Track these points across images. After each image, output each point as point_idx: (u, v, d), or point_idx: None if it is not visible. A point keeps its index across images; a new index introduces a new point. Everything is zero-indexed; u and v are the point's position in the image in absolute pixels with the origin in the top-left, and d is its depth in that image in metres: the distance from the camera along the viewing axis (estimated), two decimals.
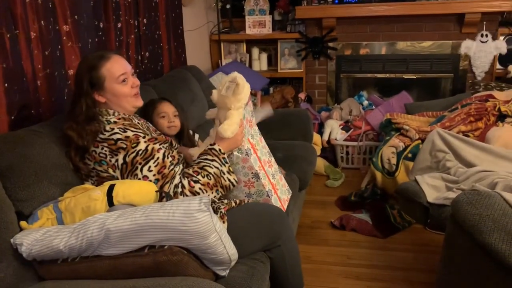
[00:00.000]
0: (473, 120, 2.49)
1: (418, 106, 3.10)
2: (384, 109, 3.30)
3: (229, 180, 1.57)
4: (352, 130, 3.36)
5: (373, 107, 3.51)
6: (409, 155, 2.55)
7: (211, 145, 1.60)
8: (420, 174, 2.09)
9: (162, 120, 1.90)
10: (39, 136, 1.51)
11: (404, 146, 2.62)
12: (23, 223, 1.30)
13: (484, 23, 3.32)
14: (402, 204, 2.23)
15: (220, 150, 1.58)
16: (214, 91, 1.64)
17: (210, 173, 1.52)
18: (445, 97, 3.36)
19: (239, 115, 1.60)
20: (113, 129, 1.48)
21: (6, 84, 1.55)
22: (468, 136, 2.34)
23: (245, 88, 1.59)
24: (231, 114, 1.58)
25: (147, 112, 1.92)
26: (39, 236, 1.20)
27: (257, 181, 1.64)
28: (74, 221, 1.29)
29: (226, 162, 1.58)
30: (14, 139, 1.44)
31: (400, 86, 3.57)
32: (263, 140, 1.81)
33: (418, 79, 3.65)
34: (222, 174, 1.55)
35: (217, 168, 1.54)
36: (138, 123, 1.61)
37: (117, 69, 1.55)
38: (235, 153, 1.63)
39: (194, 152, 1.68)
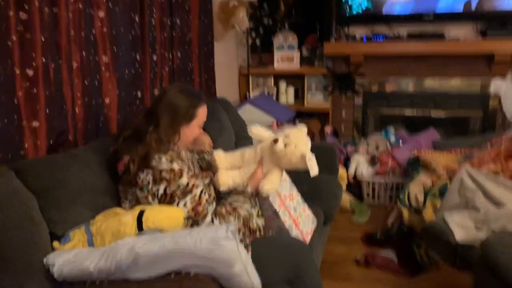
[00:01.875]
0: (503, 159, 2.45)
1: (446, 144, 3.06)
2: (412, 145, 3.27)
3: (257, 224, 1.59)
4: (378, 165, 3.34)
5: (400, 143, 3.49)
6: (437, 193, 2.51)
7: (243, 186, 1.63)
8: (448, 213, 2.05)
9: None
10: (75, 160, 1.57)
11: (431, 184, 2.59)
12: (55, 244, 1.35)
13: None
14: (429, 242, 2.18)
15: (252, 193, 1.62)
16: (280, 143, 1.57)
17: (241, 215, 1.55)
18: (474, 136, 3.31)
19: (281, 174, 1.61)
20: (161, 158, 1.52)
21: (47, 110, 1.64)
22: (498, 175, 2.30)
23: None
24: (277, 172, 1.60)
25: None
26: (70, 257, 1.23)
27: (277, 218, 1.66)
28: (104, 244, 1.32)
29: (257, 205, 1.61)
30: (52, 162, 1.51)
31: (427, 123, 3.55)
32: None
33: (447, 117, 3.62)
34: (252, 218, 1.58)
35: (247, 211, 1.57)
36: (185, 156, 1.67)
37: (204, 116, 1.69)
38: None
39: (221, 154, 1.70)
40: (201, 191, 1.54)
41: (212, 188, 1.64)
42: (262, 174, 1.64)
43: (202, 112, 1.67)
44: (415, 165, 2.89)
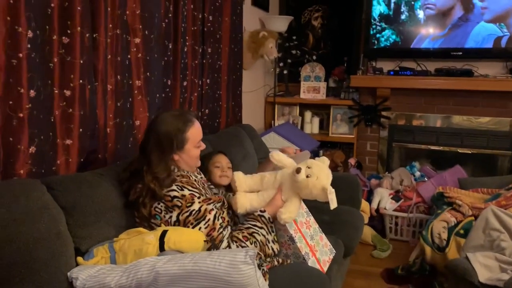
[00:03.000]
0: None
1: (473, 182, 3.01)
2: (437, 181, 3.23)
3: (272, 249, 1.60)
4: (402, 200, 3.29)
5: (425, 178, 3.44)
6: (461, 231, 2.46)
7: (261, 211, 1.63)
8: (472, 252, 2.00)
9: (216, 169, 1.97)
10: (103, 179, 1.63)
11: (456, 222, 2.54)
12: (79, 259, 1.39)
13: None
14: (451, 282, 2.12)
15: (269, 219, 1.62)
16: (302, 173, 1.59)
17: (258, 240, 1.56)
18: (501, 175, 3.25)
19: (299, 204, 1.63)
20: (171, 185, 1.56)
21: (80, 130, 1.71)
22: None
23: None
24: (296, 201, 1.62)
25: (203, 162, 2.00)
26: (93, 272, 1.27)
27: (292, 244, 1.66)
28: (126, 262, 1.35)
29: (273, 231, 1.61)
30: (81, 179, 1.57)
31: (454, 160, 3.50)
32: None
33: (474, 154, 3.57)
34: (267, 243, 1.58)
35: (264, 236, 1.58)
36: (195, 180, 1.67)
37: (198, 135, 1.67)
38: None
39: (240, 176, 1.72)
40: (215, 216, 1.55)
41: (225, 212, 1.65)
42: (281, 202, 1.65)
43: (193, 133, 1.64)
44: (439, 201, 2.84)
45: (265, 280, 1.49)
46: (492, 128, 3.46)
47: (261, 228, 1.59)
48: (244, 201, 1.67)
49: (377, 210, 3.32)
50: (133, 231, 1.48)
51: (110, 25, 1.84)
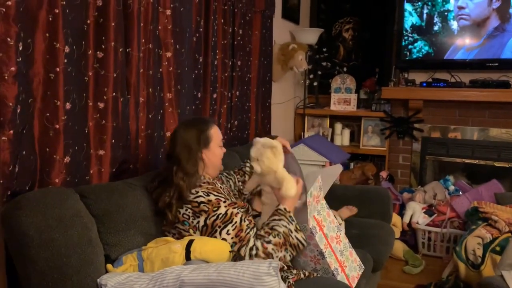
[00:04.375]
0: None
1: (510, 197, 2.89)
2: (472, 196, 3.12)
3: (297, 238, 1.59)
4: (435, 215, 3.20)
5: (460, 193, 3.34)
6: (497, 248, 2.36)
7: (276, 206, 1.66)
8: (508, 270, 1.92)
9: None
10: (133, 188, 1.68)
11: (491, 238, 2.44)
12: (109, 266, 1.43)
13: None
14: None
15: (285, 209, 1.63)
16: (255, 165, 1.68)
17: (280, 232, 1.56)
18: None
19: (291, 178, 1.65)
20: (197, 192, 1.60)
21: (113, 141, 1.78)
22: None
23: (279, 147, 1.65)
24: (283, 174, 1.64)
25: None
26: (122, 279, 1.30)
27: (322, 259, 1.65)
28: (153, 270, 1.38)
29: (293, 220, 1.61)
30: (112, 189, 1.62)
31: (490, 174, 3.38)
32: (331, 214, 1.81)
33: (511, 168, 3.44)
34: (290, 233, 1.58)
35: (285, 226, 1.58)
36: (221, 187, 1.73)
37: (219, 134, 1.77)
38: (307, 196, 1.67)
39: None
40: (241, 218, 1.58)
41: (251, 216, 1.69)
42: (278, 191, 1.67)
43: (215, 132, 1.74)
44: (474, 217, 2.75)
45: None
46: None
47: (280, 220, 1.60)
48: (257, 205, 1.75)
49: (409, 224, 3.24)
50: (161, 240, 1.51)
51: (143, 40, 1.90)
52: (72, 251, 1.34)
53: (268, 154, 1.63)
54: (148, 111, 1.98)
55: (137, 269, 1.42)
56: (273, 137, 1.94)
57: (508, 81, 3.29)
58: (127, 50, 1.82)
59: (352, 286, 1.72)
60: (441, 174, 3.65)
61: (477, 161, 3.54)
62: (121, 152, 1.83)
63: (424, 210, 3.27)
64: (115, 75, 1.74)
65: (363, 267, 1.84)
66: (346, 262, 1.73)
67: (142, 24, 1.88)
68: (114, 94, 1.75)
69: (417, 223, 3.19)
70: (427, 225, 3.16)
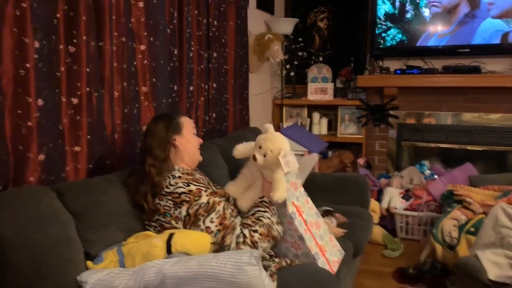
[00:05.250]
0: None
1: (483, 179, 2.98)
2: (447, 180, 3.21)
3: (277, 231, 1.64)
4: (412, 199, 3.28)
5: (435, 177, 3.42)
6: (472, 229, 2.44)
7: (260, 197, 1.70)
8: (482, 250, 1.99)
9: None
10: (112, 184, 1.66)
11: (466, 220, 2.52)
12: (89, 263, 1.42)
13: None
14: (461, 280, 2.11)
15: (269, 202, 1.67)
16: (259, 158, 1.68)
17: (265, 223, 1.60)
18: None
19: (283, 179, 1.66)
20: (177, 183, 1.60)
21: (88, 136, 1.75)
22: None
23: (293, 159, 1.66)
24: (277, 179, 1.65)
25: None
26: (102, 276, 1.29)
27: (302, 243, 1.67)
28: (134, 265, 1.38)
29: (276, 213, 1.66)
30: (90, 185, 1.60)
31: (464, 158, 3.47)
32: (310, 201, 1.83)
33: (484, 151, 3.53)
34: (273, 225, 1.62)
35: (269, 218, 1.62)
36: (200, 178, 1.73)
37: (191, 123, 1.80)
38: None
39: (231, 188, 1.82)
40: (223, 206, 1.60)
41: (232, 206, 1.70)
42: (268, 184, 1.70)
43: (186, 120, 1.78)
44: (449, 200, 2.82)
45: (274, 281, 1.50)
46: (502, 124, 3.43)
47: (265, 211, 1.64)
48: (246, 202, 1.74)
49: (388, 209, 3.31)
50: (141, 235, 1.50)
51: (116, 33, 1.87)
52: (50, 251, 1.32)
53: (275, 155, 1.64)
54: (123, 105, 1.96)
55: (118, 265, 1.41)
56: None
57: (479, 66, 3.37)
58: (100, 44, 1.79)
59: (333, 270, 1.75)
60: (416, 159, 3.73)
61: (451, 145, 3.63)
62: (98, 148, 1.80)
63: (401, 195, 3.35)
64: (88, 70, 1.70)
65: (343, 252, 1.87)
66: (326, 247, 1.76)
67: (114, 17, 1.85)
68: (88, 89, 1.72)
69: (395, 208, 3.26)
70: (405, 209, 3.23)
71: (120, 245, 1.47)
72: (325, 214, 2.23)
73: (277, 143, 1.66)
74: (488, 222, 2.16)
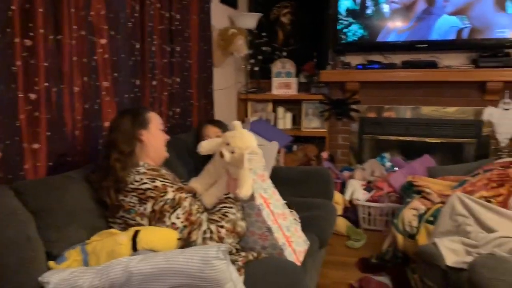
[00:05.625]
0: (495, 186, 2.48)
1: (441, 170, 3.10)
2: (407, 171, 3.31)
3: (241, 227, 1.65)
4: (374, 191, 3.37)
5: (396, 169, 3.53)
6: (431, 218, 2.53)
7: (226, 194, 1.70)
8: (440, 238, 2.07)
9: None
10: (73, 181, 1.62)
11: (425, 209, 2.61)
12: (51, 263, 1.38)
13: (506, 91, 3.37)
14: (421, 267, 2.20)
15: (235, 198, 1.68)
16: (226, 154, 1.68)
17: (231, 219, 1.61)
18: (468, 162, 3.36)
19: (249, 175, 1.67)
20: (142, 179, 1.58)
21: (48, 133, 1.69)
22: (490, 201, 2.33)
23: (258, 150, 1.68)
24: (243, 175, 1.65)
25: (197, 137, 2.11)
26: (65, 275, 1.26)
27: (270, 234, 1.69)
28: (99, 264, 1.35)
29: (241, 210, 1.67)
30: (50, 183, 1.55)
31: (423, 150, 3.60)
32: (277, 193, 1.86)
33: (441, 143, 3.68)
34: (238, 221, 1.64)
35: (235, 214, 1.63)
36: (166, 173, 1.72)
37: (159, 118, 1.78)
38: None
39: (195, 185, 1.80)
40: (190, 202, 1.59)
41: (199, 202, 1.70)
42: (234, 181, 1.71)
43: (153, 116, 1.76)
44: (409, 190, 2.92)
45: (241, 275, 1.51)
46: (458, 117, 3.57)
47: (230, 207, 1.65)
48: (210, 199, 1.73)
49: (351, 201, 3.38)
50: (105, 233, 1.48)
51: (75, 27, 1.82)
52: (9, 251, 1.28)
53: (243, 152, 1.64)
54: (84, 101, 1.91)
55: (82, 264, 1.38)
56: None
57: (436, 61, 3.49)
58: (58, 37, 1.73)
59: (299, 260, 1.78)
60: (378, 152, 3.83)
61: (410, 138, 3.75)
62: (58, 145, 1.75)
63: (364, 187, 3.43)
64: (46, 64, 1.65)
65: (308, 242, 1.90)
66: (292, 238, 1.79)
67: (73, 10, 1.79)
68: (46, 84, 1.66)
69: (358, 199, 3.34)
70: (367, 201, 3.32)
71: (84, 244, 1.44)
72: None
73: (245, 141, 1.67)
74: (445, 211, 2.26)
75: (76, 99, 1.86)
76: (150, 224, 1.54)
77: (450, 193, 2.59)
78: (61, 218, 1.49)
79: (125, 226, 1.57)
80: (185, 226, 1.53)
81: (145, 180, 1.58)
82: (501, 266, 1.32)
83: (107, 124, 2.06)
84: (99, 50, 1.99)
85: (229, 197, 1.69)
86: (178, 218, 1.54)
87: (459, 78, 3.39)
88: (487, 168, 2.76)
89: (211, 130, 2.16)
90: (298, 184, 2.71)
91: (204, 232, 1.54)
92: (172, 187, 1.60)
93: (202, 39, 3.02)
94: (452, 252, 1.93)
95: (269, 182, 1.85)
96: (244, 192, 1.62)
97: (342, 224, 3.21)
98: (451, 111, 3.59)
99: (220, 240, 1.54)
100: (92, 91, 1.95)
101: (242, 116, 4.10)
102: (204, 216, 1.59)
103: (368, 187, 3.43)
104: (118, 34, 2.08)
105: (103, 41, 2.00)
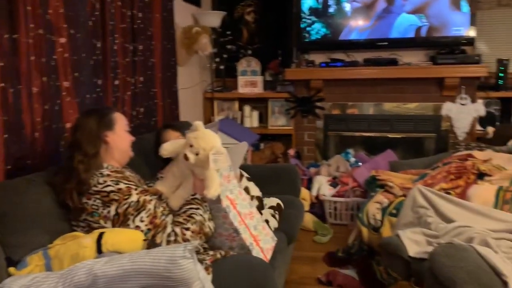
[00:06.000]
0: (453, 178, 2.58)
1: (402, 164, 3.20)
2: (370, 166, 3.39)
3: (209, 227, 1.64)
4: (339, 186, 3.43)
5: (360, 164, 3.61)
6: (393, 211, 2.60)
7: (192, 195, 1.67)
8: (403, 229, 2.14)
9: None
10: (33, 185, 1.57)
11: (388, 202, 2.68)
12: (11, 269, 1.33)
13: (463, 87, 3.51)
14: (385, 258, 2.26)
15: (202, 199, 1.66)
16: (191, 157, 1.63)
17: (197, 220, 1.59)
18: (428, 156, 3.48)
19: (216, 175, 1.65)
20: (106, 181, 1.55)
21: (5, 136, 1.64)
22: (449, 193, 2.42)
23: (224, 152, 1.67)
24: (210, 176, 1.63)
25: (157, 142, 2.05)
26: (27, 281, 1.22)
27: (237, 235, 1.70)
28: (62, 268, 1.31)
29: (208, 210, 1.66)
30: (9, 187, 1.51)
31: (385, 145, 3.70)
32: (243, 192, 1.86)
33: (403, 138, 3.79)
34: (205, 221, 1.62)
35: (201, 215, 1.61)
36: (130, 175, 1.69)
37: (124, 119, 1.75)
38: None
39: (161, 188, 1.74)
40: (154, 205, 1.57)
41: (164, 204, 1.67)
42: (200, 182, 1.67)
43: (119, 116, 1.73)
44: (372, 184, 2.99)
45: (208, 273, 1.51)
46: (418, 113, 3.69)
47: (197, 209, 1.63)
48: (177, 201, 1.69)
49: (317, 197, 3.44)
50: (69, 236, 1.44)
51: (32, 25, 1.76)
52: None
53: (208, 153, 1.61)
54: (43, 101, 1.85)
55: (44, 269, 1.35)
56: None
57: (396, 59, 3.60)
58: (14, 36, 1.67)
59: (267, 257, 1.80)
60: (342, 148, 3.90)
61: (373, 133, 3.85)
62: (16, 147, 1.69)
63: (329, 182, 3.49)
64: (2, 64, 1.59)
65: (276, 239, 1.92)
66: (260, 236, 1.80)
67: (29, 8, 1.74)
68: (2, 84, 1.60)
69: (324, 195, 3.40)
70: (333, 196, 3.38)
71: (46, 248, 1.40)
72: None
73: (209, 141, 1.64)
74: (407, 204, 2.33)
75: (35, 100, 1.80)
76: (114, 227, 1.52)
77: (412, 186, 2.67)
78: (21, 222, 1.44)
79: (88, 230, 1.54)
80: (149, 229, 1.51)
81: (109, 183, 1.55)
82: (459, 254, 1.38)
83: (68, 125, 2.00)
84: (59, 49, 1.94)
85: (195, 198, 1.67)
86: (142, 221, 1.52)
87: (419, 74, 3.51)
88: (446, 161, 2.87)
89: (172, 135, 2.11)
90: (266, 181, 2.72)
91: (169, 235, 1.52)
92: (136, 189, 1.58)
93: (166, 38, 2.99)
94: (414, 243, 1.99)
95: (234, 182, 1.85)
96: (212, 192, 1.60)
97: (309, 219, 3.25)
98: (411, 107, 3.70)
99: (185, 242, 1.53)
100: (52, 92, 1.90)
101: (208, 115, 4.08)
102: (169, 219, 1.57)
103: (334, 182, 3.49)
104: (78, 33, 2.03)
105: (63, 40, 1.95)
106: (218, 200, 1.67)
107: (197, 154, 1.63)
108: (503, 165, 2.63)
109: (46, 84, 1.86)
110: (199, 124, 1.68)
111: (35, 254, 1.38)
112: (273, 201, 2.36)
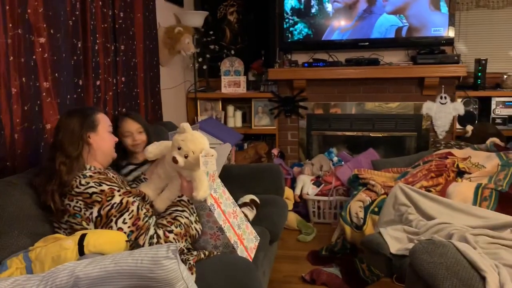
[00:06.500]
0: (434, 176, 2.63)
1: (384, 163, 3.24)
2: (353, 165, 3.43)
3: (195, 229, 1.64)
4: (323, 185, 3.46)
5: (343, 163, 3.65)
6: (376, 209, 2.64)
7: (179, 196, 1.67)
8: (385, 227, 2.17)
9: (126, 139, 1.99)
10: (13, 187, 1.55)
11: (370, 201, 2.72)
12: None
13: (443, 86, 3.57)
14: (368, 256, 2.29)
15: (188, 201, 1.66)
16: (180, 160, 1.60)
17: (182, 223, 1.59)
18: (409, 154, 3.53)
19: (204, 177, 1.65)
20: (88, 183, 1.54)
21: None
22: (430, 191, 2.47)
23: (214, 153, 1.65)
24: (199, 177, 1.62)
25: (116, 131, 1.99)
26: (7, 285, 1.20)
27: (222, 234, 1.70)
28: (43, 271, 1.30)
29: (194, 212, 1.66)
30: None
31: (367, 144, 3.75)
32: (226, 191, 1.87)
33: (384, 137, 3.84)
34: (191, 224, 1.62)
35: (187, 218, 1.61)
36: (113, 177, 1.67)
37: (108, 120, 1.72)
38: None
39: (146, 190, 1.71)
40: (138, 206, 1.56)
41: (148, 205, 1.65)
42: (188, 183, 1.66)
43: (102, 117, 1.70)
44: (355, 183, 3.03)
45: (193, 273, 1.51)
46: (399, 112, 3.75)
47: (183, 211, 1.62)
48: (163, 203, 1.68)
49: (301, 196, 3.46)
50: (50, 238, 1.42)
51: (10, 25, 1.73)
52: None
53: (197, 156, 1.58)
54: (23, 102, 1.82)
55: (25, 272, 1.33)
56: None
57: (377, 59, 3.64)
58: None
59: (251, 256, 1.80)
60: (325, 147, 3.94)
61: (355, 133, 3.89)
62: None
63: (313, 181, 3.52)
64: None
65: (259, 238, 1.93)
66: (244, 235, 1.81)
67: (7, 7, 1.71)
68: None
69: (307, 194, 3.42)
70: (316, 195, 3.40)
71: (27, 251, 1.38)
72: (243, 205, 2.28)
73: (199, 143, 1.61)
74: (389, 202, 2.37)
75: (14, 101, 1.77)
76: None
77: (393, 184, 2.72)
78: (1, 225, 1.42)
79: (71, 231, 1.52)
80: (132, 231, 1.50)
81: (92, 184, 1.53)
82: (439, 250, 1.41)
83: (49, 126, 1.98)
84: (38, 49, 1.91)
85: (182, 200, 1.66)
86: (125, 223, 1.51)
87: (399, 74, 3.56)
88: (427, 159, 2.92)
89: (130, 124, 2.05)
90: (250, 181, 2.74)
91: (151, 237, 1.51)
92: (119, 191, 1.56)
93: (148, 37, 2.97)
94: (396, 240, 2.03)
95: (218, 181, 1.85)
96: (201, 194, 1.59)
97: (293, 218, 3.27)
98: (393, 107, 3.75)
99: None
100: (32, 92, 1.87)
101: (192, 115, 4.07)
102: (152, 221, 1.56)
103: (317, 181, 3.51)
104: (58, 33, 2.00)
105: (42, 39, 1.92)
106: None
107: (186, 157, 1.61)
108: (482, 163, 2.69)
109: (26, 85, 1.83)
110: (186, 125, 1.65)
111: (15, 257, 1.36)
112: (246, 198, 2.34)
